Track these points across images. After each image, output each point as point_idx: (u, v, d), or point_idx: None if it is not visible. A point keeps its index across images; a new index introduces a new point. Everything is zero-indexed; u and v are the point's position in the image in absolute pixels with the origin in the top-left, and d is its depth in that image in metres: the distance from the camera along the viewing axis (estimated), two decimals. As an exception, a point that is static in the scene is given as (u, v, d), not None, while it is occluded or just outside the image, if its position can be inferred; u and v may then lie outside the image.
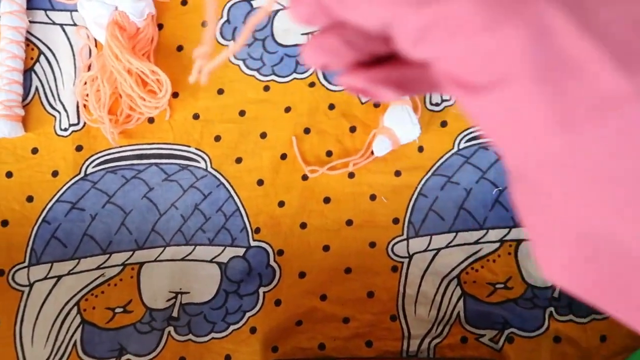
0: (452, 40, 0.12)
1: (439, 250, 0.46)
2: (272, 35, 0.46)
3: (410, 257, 0.46)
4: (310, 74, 0.46)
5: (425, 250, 0.46)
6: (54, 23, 0.46)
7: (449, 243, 0.46)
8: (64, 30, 0.46)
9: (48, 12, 0.46)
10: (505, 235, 0.46)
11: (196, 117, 0.46)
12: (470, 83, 0.12)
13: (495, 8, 0.11)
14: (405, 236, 0.46)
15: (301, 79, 0.46)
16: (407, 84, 0.16)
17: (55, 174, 0.45)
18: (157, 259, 0.45)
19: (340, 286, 0.45)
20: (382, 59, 0.16)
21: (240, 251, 0.45)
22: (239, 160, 0.45)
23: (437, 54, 0.13)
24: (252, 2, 0.46)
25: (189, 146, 0.46)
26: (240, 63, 0.46)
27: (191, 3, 0.46)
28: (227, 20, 0.46)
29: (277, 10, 0.46)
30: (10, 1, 0.45)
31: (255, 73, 0.46)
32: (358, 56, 0.16)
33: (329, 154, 0.46)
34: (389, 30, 0.13)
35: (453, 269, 0.45)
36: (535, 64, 0.11)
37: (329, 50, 0.16)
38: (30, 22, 0.46)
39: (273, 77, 0.46)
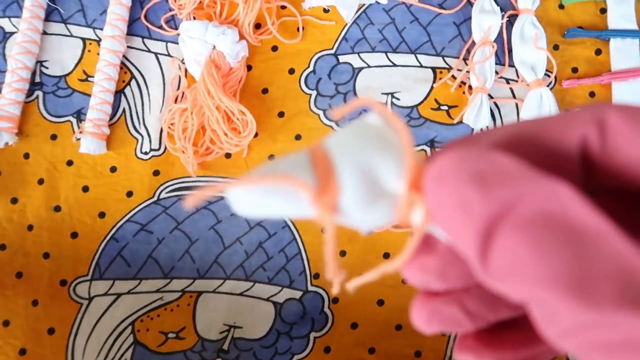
0: (611, 356, 0.10)
1: (489, 319, 0.47)
2: (354, 90, 0.48)
3: (460, 322, 0.47)
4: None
5: (475, 318, 0.47)
6: (149, 51, 0.49)
7: (499, 313, 0.47)
8: (157, 59, 0.48)
9: (145, 40, 0.49)
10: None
11: (272, 158, 0.48)
12: None
13: None
14: (457, 301, 0.47)
15: (376, 135, 0.48)
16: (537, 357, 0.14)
17: (129, 194, 0.47)
18: (216, 290, 0.46)
19: (390, 342, 0.46)
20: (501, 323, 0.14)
21: (297, 294, 0.46)
22: (307, 205, 0.47)
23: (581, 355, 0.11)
24: (338, 56, 0.49)
25: (261, 185, 0.47)
26: (321, 113, 0.48)
27: (281, 50, 0.49)
28: (313, 71, 0.48)
29: (361, 68, 0.48)
30: (113, 26, 0.47)
31: (333, 124, 0.48)
32: (479, 326, 0.14)
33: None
34: (530, 308, 0.11)
35: (501, 340, 0.46)
36: None
37: (447, 320, 0.14)
38: (128, 47, 0.48)
39: (350, 130, 0.48)
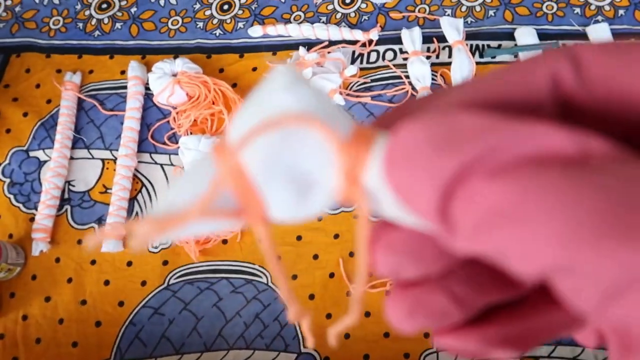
0: None
1: (465, 363, 0.52)
2: (326, 176, 0.58)
3: (440, 369, 0.52)
4: (355, 208, 0.57)
5: (453, 363, 0.52)
6: (155, 163, 0.59)
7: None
8: (163, 169, 0.59)
9: (152, 155, 0.60)
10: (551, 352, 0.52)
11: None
12: None
13: None
14: (435, 349, 0.52)
15: (348, 211, 0.57)
16: (530, 337, 0.12)
17: (144, 283, 0.55)
18: (221, 360, 0.52)
19: (379, 393, 0.51)
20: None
21: (292, 357, 0.52)
22: (294, 277, 0.55)
23: None
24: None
25: (254, 264, 0.55)
26: (299, 198, 0.57)
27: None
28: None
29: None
30: (126, 147, 0.58)
31: (310, 206, 0.57)
32: (467, 316, 0.12)
33: (370, 274, 0.54)
34: (552, 280, 0.09)
35: (479, 382, 0.51)
36: None
37: (433, 311, 0.12)
38: (138, 162, 0.59)
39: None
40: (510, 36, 0.61)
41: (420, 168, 0.10)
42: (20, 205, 0.58)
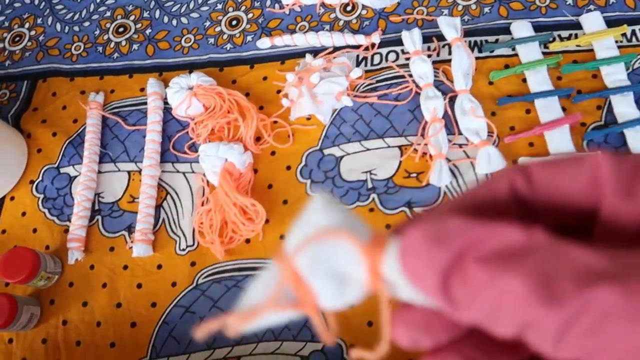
0: (598, 337, 0.11)
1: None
2: (339, 174, 0.61)
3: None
4: (370, 202, 0.60)
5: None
6: (178, 171, 0.63)
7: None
8: (185, 177, 0.63)
9: (174, 164, 0.63)
10: None
11: (283, 237, 0.59)
12: None
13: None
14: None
15: (362, 206, 0.59)
16: None
17: (174, 284, 0.58)
18: (252, 352, 0.55)
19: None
20: None
21: (319, 346, 0.55)
22: (315, 270, 0.57)
23: (582, 354, 0.12)
24: (323, 150, 0.62)
25: (277, 260, 0.58)
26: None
27: (278, 153, 0.62)
28: (305, 165, 0.62)
29: (342, 156, 0.61)
30: (150, 158, 0.62)
31: (327, 202, 0.60)
32: None
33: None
34: (524, 335, 0.13)
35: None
36: None
37: None
38: (162, 171, 0.63)
39: (341, 205, 0.60)
40: (506, 31, 0.64)
41: (424, 259, 0.14)
42: (55, 219, 0.62)
